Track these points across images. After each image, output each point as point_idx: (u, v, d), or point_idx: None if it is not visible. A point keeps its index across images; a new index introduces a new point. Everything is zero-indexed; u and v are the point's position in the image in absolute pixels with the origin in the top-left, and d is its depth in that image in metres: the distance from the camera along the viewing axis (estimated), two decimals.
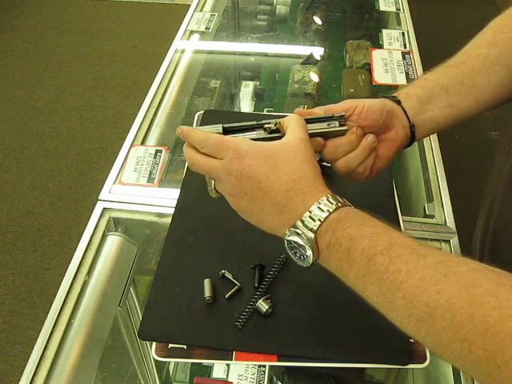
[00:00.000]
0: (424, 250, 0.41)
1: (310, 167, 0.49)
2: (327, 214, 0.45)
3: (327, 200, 0.46)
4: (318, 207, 0.46)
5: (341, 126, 0.58)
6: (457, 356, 0.37)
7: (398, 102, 0.61)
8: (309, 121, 0.57)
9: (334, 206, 0.45)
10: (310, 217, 0.45)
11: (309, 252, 0.46)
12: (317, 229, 0.45)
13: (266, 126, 0.56)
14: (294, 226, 0.46)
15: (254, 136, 0.56)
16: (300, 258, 0.48)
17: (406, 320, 0.39)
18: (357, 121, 0.58)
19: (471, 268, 0.38)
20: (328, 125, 0.58)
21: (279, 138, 0.55)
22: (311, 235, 0.45)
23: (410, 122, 0.61)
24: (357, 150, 0.58)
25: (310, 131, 0.57)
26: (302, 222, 0.46)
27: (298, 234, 0.46)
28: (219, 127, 0.56)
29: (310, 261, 0.47)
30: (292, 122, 0.54)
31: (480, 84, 0.62)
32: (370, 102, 0.59)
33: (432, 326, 0.37)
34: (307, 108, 1.06)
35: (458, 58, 0.65)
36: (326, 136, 0.58)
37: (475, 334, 0.35)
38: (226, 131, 0.56)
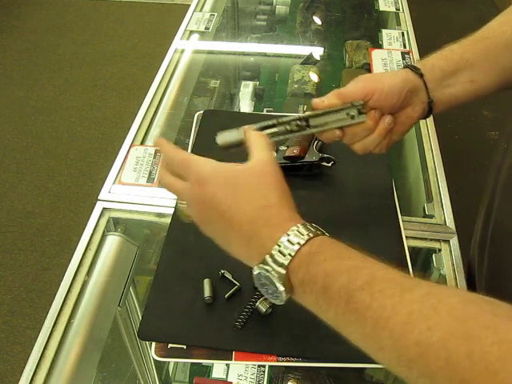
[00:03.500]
0: (409, 283, 0.37)
1: (276, 192, 0.45)
2: (298, 247, 0.41)
3: (297, 231, 0.42)
4: (288, 239, 0.41)
5: (360, 114, 0.58)
6: None
7: (421, 75, 0.60)
8: (327, 112, 0.58)
9: (305, 237, 0.41)
10: (279, 251, 0.41)
11: (281, 289, 0.42)
12: (288, 264, 0.41)
13: (288, 127, 0.57)
14: (264, 262, 0.42)
15: (276, 129, 0.57)
16: (272, 294, 0.44)
17: (395, 361, 0.36)
18: (374, 105, 0.58)
19: (463, 299, 0.35)
20: (347, 114, 0.58)
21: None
22: (283, 271, 0.41)
23: (429, 97, 0.61)
24: (374, 134, 0.59)
25: (330, 126, 0.58)
26: (272, 256, 0.42)
27: (267, 271, 0.42)
28: (241, 130, 0.55)
29: (284, 298, 0.43)
30: (256, 143, 0.50)
31: (502, 62, 0.62)
32: (389, 85, 0.58)
33: (425, 368, 0.33)
34: (306, 108, 1.06)
35: (484, 33, 0.64)
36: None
37: (474, 373, 0.31)
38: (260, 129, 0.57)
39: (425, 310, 0.34)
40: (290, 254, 0.41)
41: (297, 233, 0.42)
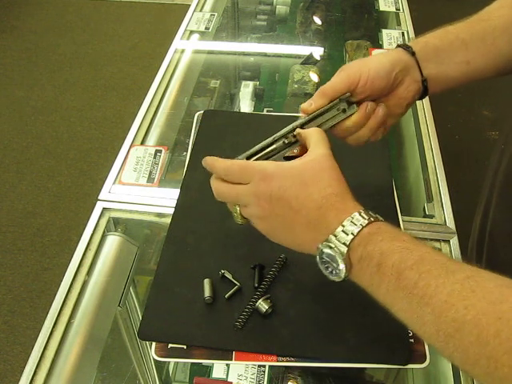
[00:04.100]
0: (453, 266, 0.41)
1: (339, 184, 0.50)
2: (360, 228, 0.45)
3: (360, 215, 0.46)
4: (351, 221, 0.46)
5: (350, 106, 0.57)
6: (484, 373, 0.36)
7: (413, 53, 0.59)
8: (318, 114, 0.58)
9: (366, 221, 0.46)
10: (342, 231, 0.46)
11: (341, 266, 0.46)
12: (349, 243, 0.45)
13: (285, 140, 0.58)
14: (327, 240, 0.47)
15: (275, 146, 0.58)
16: (332, 272, 0.48)
17: (435, 335, 0.39)
18: (362, 91, 0.57)
19: (499, 283, 0.38)
20: (337, 110, 0.58)
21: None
22: (344, 249, 0.45)
23: (422, 75, 0.60)
24: (365, 127, 0.59)
25: (325, 126, 0.58)
26: (335, 236, 0.46)
27: (331, 248, 0.46)
28: (243, 158, 0.57)
29: (342, 275, 0.47)
30: (313, 138, 0.54)
31: (500, 44, 0.61)
32: (375, 68, 0.57)
33: (459, 342, 0.37)
34: None
35: (481, 16, 0.63)
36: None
37: (501, 351, 0.34)
38: (248, 157, 0.58)
39: (464, 291, 0.38)
40: (352, 234, 0.45)
41: (359, 217, 0.46)
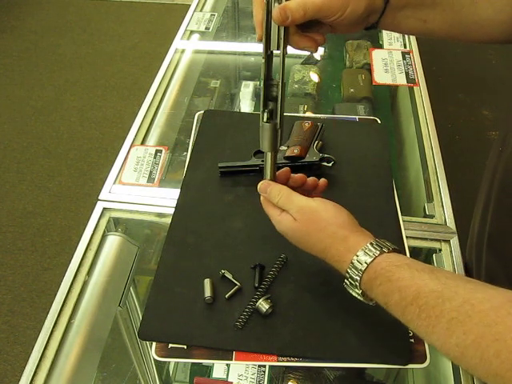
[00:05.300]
0: (449, 293, 0.44)
1: (327, 232, 0.55)
2: (359, 278, 0.51)
3: (358, 262, 0.51)
4: (351, 277, 0.52)
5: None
6: None
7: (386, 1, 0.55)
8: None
9: (363, 267, 0.50)
10: (350, 277, 0.52)
11: (361, 298, 0.53)
12: (359, 286, 0.52)
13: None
14: (345, 283, 0.53)
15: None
16: None
17: (446, 355, 0.44)
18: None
19: (494, 305, 0.40)
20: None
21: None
22: (359, 291, 0.52)
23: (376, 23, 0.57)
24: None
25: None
26: (347, 279, 0.53)
27: (350, 289, 0.54)
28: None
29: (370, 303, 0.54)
30: (287, 205, 0.58)
31: (466, 13, 0.58)
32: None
33: (467, 363, 0.41)
34: (307, 108, 1.06)
35: None
36: None
37: (504, 369, 0.37)
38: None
39: (461, 317, 0.41)
40: (357, 282, 0.51)
41: (357, 264, 0.51)
